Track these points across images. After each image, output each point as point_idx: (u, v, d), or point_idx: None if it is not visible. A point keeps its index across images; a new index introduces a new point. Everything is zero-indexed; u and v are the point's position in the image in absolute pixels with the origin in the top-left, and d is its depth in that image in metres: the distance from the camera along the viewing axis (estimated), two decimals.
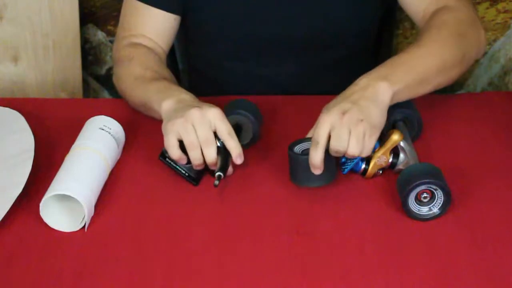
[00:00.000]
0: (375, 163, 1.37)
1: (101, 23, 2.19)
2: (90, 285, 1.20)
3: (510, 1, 2.11)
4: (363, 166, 1.37)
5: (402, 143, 1.37)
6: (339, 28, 1.64)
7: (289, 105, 1.59)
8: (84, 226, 1.29)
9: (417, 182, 1.28)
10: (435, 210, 1.30)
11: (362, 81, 1.36)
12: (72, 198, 1.28)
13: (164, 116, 1.39)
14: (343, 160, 1.38)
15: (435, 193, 1.29)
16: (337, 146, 1.29)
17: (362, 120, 1.30)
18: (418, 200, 1.29)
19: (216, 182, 1.31)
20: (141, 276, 1.21)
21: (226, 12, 1.62)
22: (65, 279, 1.21)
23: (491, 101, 1.62)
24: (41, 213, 1.28)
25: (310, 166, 1.30)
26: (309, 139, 1.34)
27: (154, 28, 1.61)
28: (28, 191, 1.33)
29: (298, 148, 1.34)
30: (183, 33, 1.70)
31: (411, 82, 1.39)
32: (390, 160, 1.38)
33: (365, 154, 1.30)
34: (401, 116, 1.43)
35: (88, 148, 1.37)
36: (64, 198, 1.29)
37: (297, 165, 1.33)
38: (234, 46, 1.67)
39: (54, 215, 1.29)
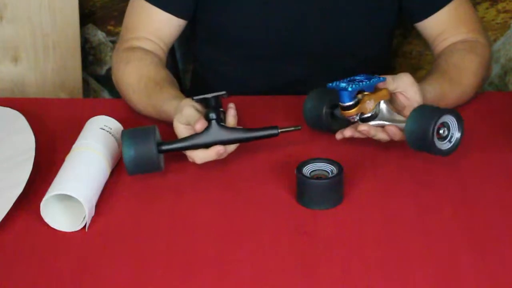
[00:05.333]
0: (363, 105, 1.38)
1: (101, 23, 2.19)
2: (91, 285, 1.20)
3: (510, 1, 2.12)
4: (351, 102, 1.38)
5: (385, 102, 1.39)
6: (352, 40, 1.64)
7: (296, 105, 1.59)
8: (84, 226, 1.29)
9: (436, 119, 1.32)
10: (457, 134, 1.36)
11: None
12: (73, 198, 1.28)
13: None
14: (342, 85, 1.37)
15: (449, 123, 1.34)
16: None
17: None
18: (438, 138, 1.34)
19: (299, 127, 1.41)
20: (141, 276, 1.21)
21: (239, 16, 1.62)
22: (66, 279, 1.21)
23: (491, 101, 1.62)
24: (41, 213, 1.28)
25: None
26: (318, 159, 1.34)
27: (158, 30, 1.60)
28: (28, 191, 1.33)
29: (306, 170, 1.33)
30: (190, 33, 1.70)
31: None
32: (374, 110, 1.39)
33: None
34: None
35: (88, 148, 1.37)
36: (65, 198, 1.29)
37: (306, 189, 1.33)
38: (244, 48, 1.66)
39: (55, 215, 1.29)
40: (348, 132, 1.40)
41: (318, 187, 1.32)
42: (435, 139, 1.34)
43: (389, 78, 1.40)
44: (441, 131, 1.34)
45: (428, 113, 1.34)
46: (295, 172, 1.33)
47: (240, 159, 1.44)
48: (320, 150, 1.45)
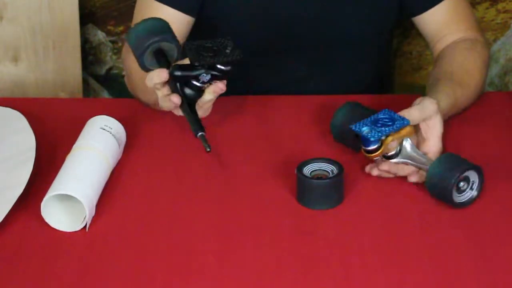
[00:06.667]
0: (385, 147, 1.35)
1: (101, 23, 2.19)
2: (91, 285, 1.20)
3: (510, 1, 2.12)
4: (374, 146, 1.34)
5: (410, 139, 1.37)
6: (353, 34, 1.64)
7: (292, 105, 1.59)
8: (85, 226, 1.29)
9: (457, 175, 1.29)
10: (474, 192, 1.32)
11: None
12: (73, 198, 1.28)
13: None
14: (364, 129, 1.34)
15: (469, 177, 1.31)
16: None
17: None
18: (457, 190, 1.31)
19: (207, 148, 1.28)
20: (141, 276, 1.21)
21: (240, 13, 1.62)
22: (66, 279, 1.21)
23: (491, 101, 1.62)
24: (42, 213, 1.28)
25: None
26: (319, 159, 1.34)
27: None
28: (29, 191, 1.33)
29: (307, 170, 1.33)
30: (194, 31, 1.70)
31: (454, 111, 1.50)
32: (397, 149, 1.36)
33: None
34: None
35: (89, 148, 1.37)
36: (65, 198, 1.29)
37: (306, 189, 1.33)
38: (245, 44, 1.66)
39: (55, 215, 1.29)
40: (375, 172, 1.38)
41: (319, 187, 1.32)
42: (454, 193, 1.30)
43: (414, 114, 1.37)
44: (460, 184, 1.31)
45: (451, 167, 1.30)
46: (296, 172, 1.33)
47: (240, 159, 1.44)
48: (320, 150, 1.45)
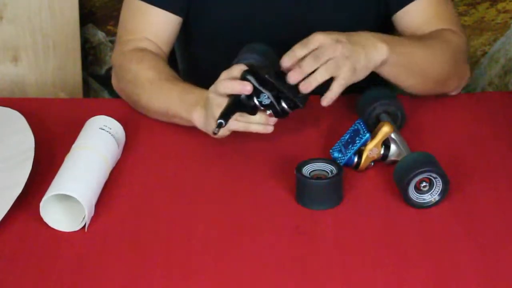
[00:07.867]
0: (367, 156, 1.38)
1: (101, 23, 2.19)
2: (90, 285, 1.20)
3: (510, 1, 2.12)
4: (356, 159, 1.38)
5: (392, 135, 1.38)
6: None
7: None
8: (84, 226, 1.29)
9: (416, 172, 1.29)
10: (435, 196, 1.31)
11: (366, 34, 1.42)
12: (72, 198, 1.28)
13: (198, 125, 1.42)
14: (335, 155, 1.39)
15: (434, 180, 1.31)
16: (309, 62, 1.36)
17: (347, 58, 1.37)
18: (417, 189, 1.31)
19: (215, 130, 1.31)
20: (141, 276, 1.21)
21: (229, 15, 1.62)
22: (65, 279, 1.21)
23: (491, 101, 1.62)
24: (41, 213, 1.28)
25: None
26: (318, 159, 1.35)
27: (157, 30, 1.60)
28: (28, 191, 1.33)
29: (306, 170, 1.33)
30: (182, 33, 1.70)
31: (405, 64, 1.46)
32: (382, 152, 1.38)
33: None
34: (383, 108, 1.45)
35: (88, 148, 1.37)
36: (64, 198, 1.29)
37: (306, 189, 1.33)
38: (235, 47, 1.67)
39: (54, 215, 1.29)
40: None
41: (318, 187, 1.32)
42: (410, 190, 1.31)
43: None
44: (422, 185, 1.31)
45: (415, 165, 1.31)
46: (295, 172, 1.33)
47: (239, 159, 1.44)
48: (320, 150, 1.45)
